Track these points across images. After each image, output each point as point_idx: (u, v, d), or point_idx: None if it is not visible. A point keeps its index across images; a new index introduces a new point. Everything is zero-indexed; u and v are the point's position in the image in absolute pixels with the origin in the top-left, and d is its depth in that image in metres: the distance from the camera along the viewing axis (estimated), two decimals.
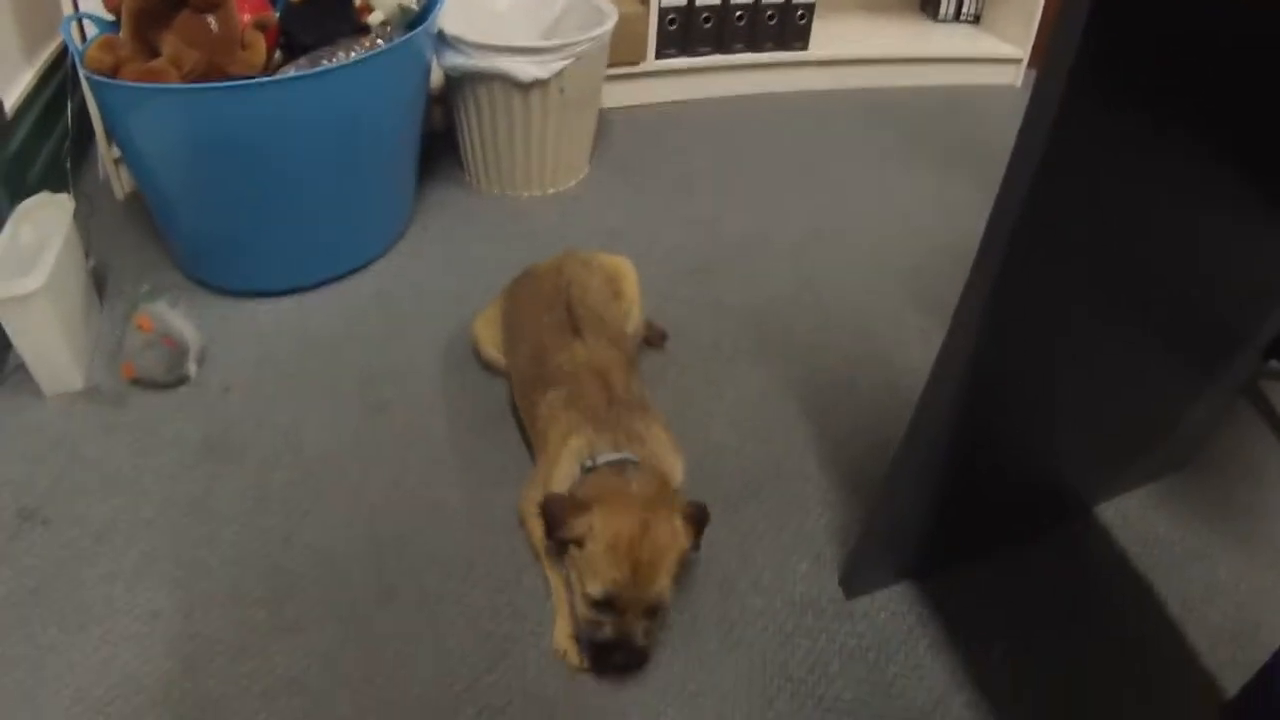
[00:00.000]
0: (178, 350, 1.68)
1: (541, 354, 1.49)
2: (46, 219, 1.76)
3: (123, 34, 1.73)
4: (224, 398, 1.70)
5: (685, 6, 2.53)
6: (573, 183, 2.36)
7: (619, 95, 2.62)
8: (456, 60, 2.08)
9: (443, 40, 2.07)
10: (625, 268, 1.73)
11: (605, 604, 1.20)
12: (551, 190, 2.32)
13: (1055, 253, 0.96)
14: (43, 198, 1.80)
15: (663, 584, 1.21)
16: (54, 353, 1.65)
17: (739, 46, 2.64)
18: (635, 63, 2.58)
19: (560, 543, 1.25)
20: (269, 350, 1.81)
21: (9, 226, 1.72)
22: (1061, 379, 1.19)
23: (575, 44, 2.08)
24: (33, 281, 1.55)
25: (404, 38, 1.86)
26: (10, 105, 1.98)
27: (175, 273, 1.99)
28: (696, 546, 1.27)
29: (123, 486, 1.52)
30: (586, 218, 2.24)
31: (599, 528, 1.20)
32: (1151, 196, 0.98)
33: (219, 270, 1.95)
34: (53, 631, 1.29)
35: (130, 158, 1.88)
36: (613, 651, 1.22)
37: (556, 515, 1.22)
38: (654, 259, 2.07)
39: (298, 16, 1.91)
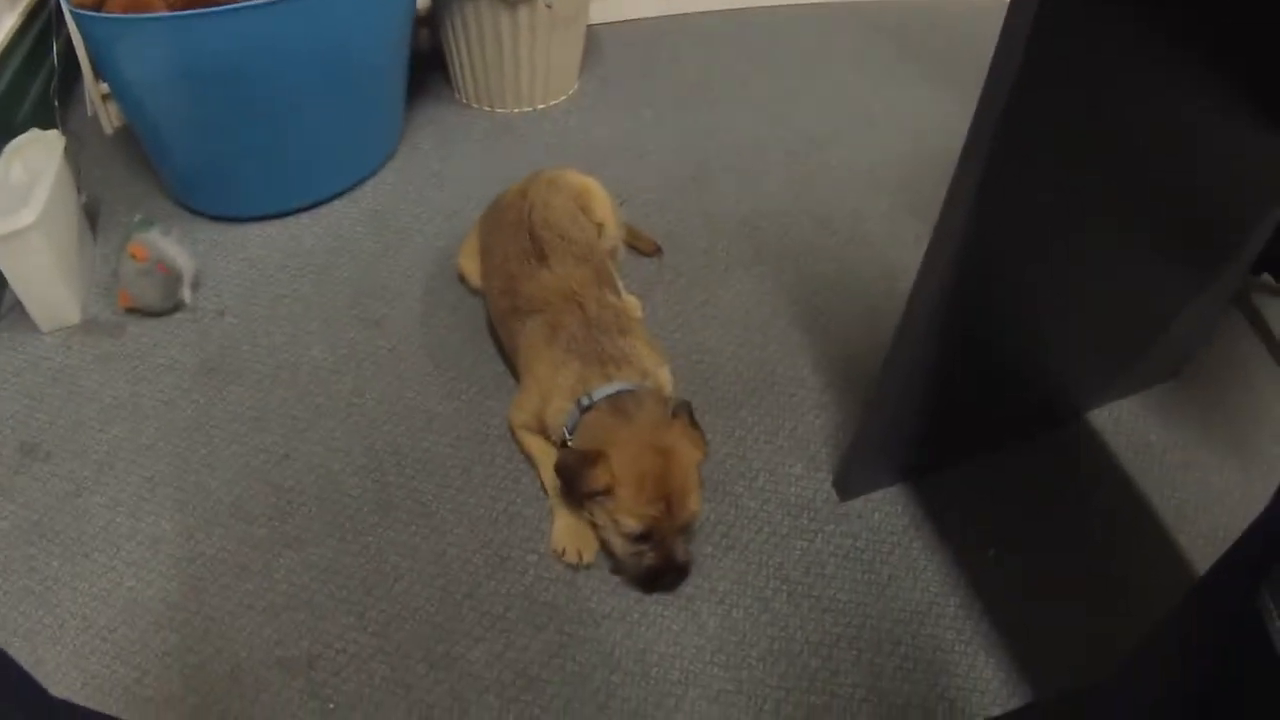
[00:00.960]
0: (172, 277, 1.68)
1: (512, 284, 1.49)
2: (36, 156, 1.75)
3: None
4: (219, 321, 1.71)
5: None
6: (562, 98, 2.34)
7: (608, 10, 2.58)
8: None
9: None
10: (592, 185, 1.71)
11: (644, 536, 1.23)
12: (541, 106, 2.30)
13: (1039, 154, 0.96)
14: (32, 135, 1.79)
15: (694, 502, 1.24)
16: (50, 288, 1.65)
17: None
18: None
19: (583, 498, 1.26)
20: (262, 273, 1.81)
21: (7, 160, 1.72)
22: (1048, 280, 1.19)
23: None
24: (26, 217, 1.55)
25: None
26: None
27: (167, 202, 1.98)
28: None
29: (122, 415, 1.53)
30: (575, 132, 2.22)
31: (621, 471, 1.21)
32: (1137, 96, 0.97)
33: (210, 197, 1.94)
34: (56, 563, 1.32)
35: (118, 90, 1.88)
36: (660, 575, 1.25)
37: (575, 472, 1.23)
38: (645, 171, 2.06)
39: None
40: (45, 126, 1.87)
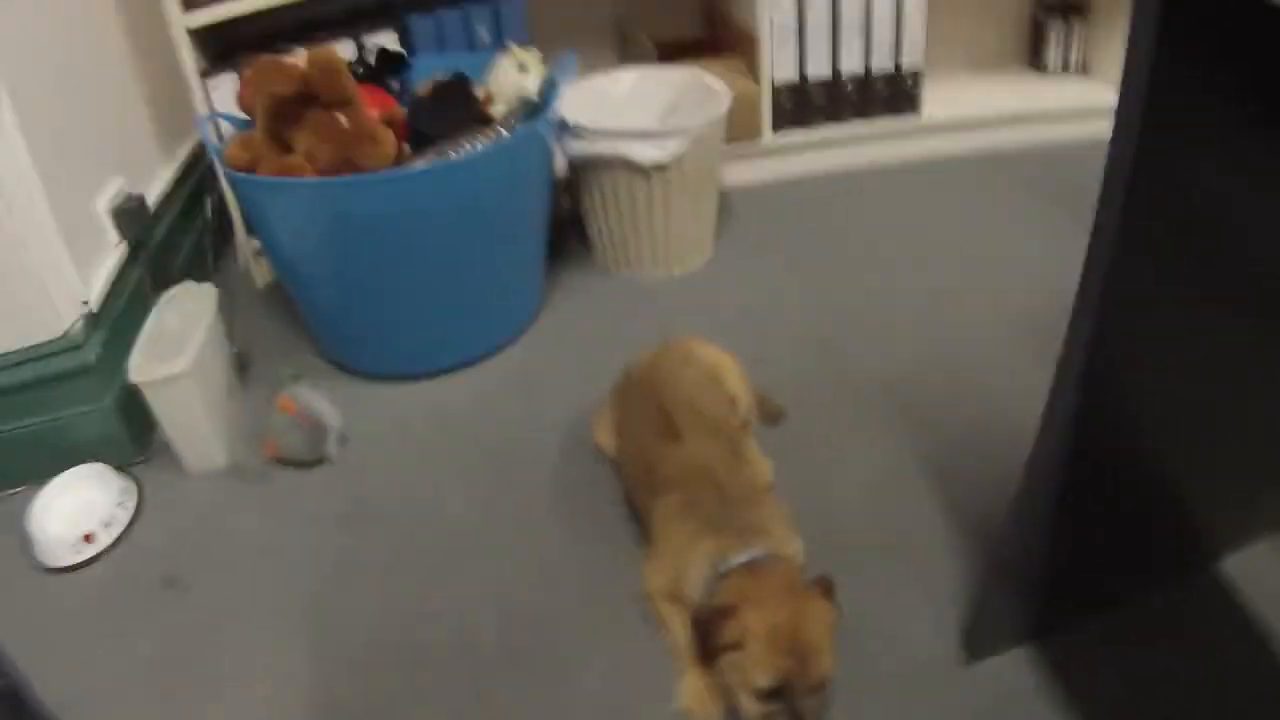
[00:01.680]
0: (319, 430, 1.77)
1: (646, 459, 1.51)
2: (190, 306, 1.89)
3: (258, 131, 1.84)
4: (362, 474, 1.77)
5: (797, 82, 2.56)
6: (699, 263, 2.39)
7: (740, 174, 2.65)
8: (578, 146, 2.15)
9: (564, 128, 2.14)
10: (724, 360, 1.73)
11: (775, 693, 1.19)
12: (678, 271, 2.35)
13: (1160, 274, 0.93)
14: (187, 286, 1.94)
15: (827, 660, 1.20)
16: (199, 432, 1.75)
17: (852, 117, 2.65)
18: (753, 139, 2.62)
19: (716, 652, 1.24)
20: (406, 430, 1.88)
21: (155, 313, 1.86)
22: (1177, 417, 1.13)
23: (691, 127, 2.13)
24: (179, 364, 1.67)
25: (524, 127, 1.93)
26: (152, 200, 2.14)
27: (317, 358, 2.09)
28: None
29: (263, 556, 1.59)
30: (711, 297, 2.26)
31: (754, 625, 1.20)
32: (1259, 194, 0.93)
33: (358, 355, 2.04)
34: (189, 694, 1.35)
35: (269, 248, 2.01)
36: None
37: (709, 625, 1.22)
38: (777, 332, 2.08)
39: (423, 109, 2.01)
40: (199, 279, 2.01)
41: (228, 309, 2.01)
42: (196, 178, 2.39)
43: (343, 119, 1.80)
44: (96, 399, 1.75)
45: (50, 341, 1.70)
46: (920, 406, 1.85)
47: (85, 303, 1.76)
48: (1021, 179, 2.63)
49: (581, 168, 2.23)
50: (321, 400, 1.80)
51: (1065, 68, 2.89)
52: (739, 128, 2.52)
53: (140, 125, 2.26)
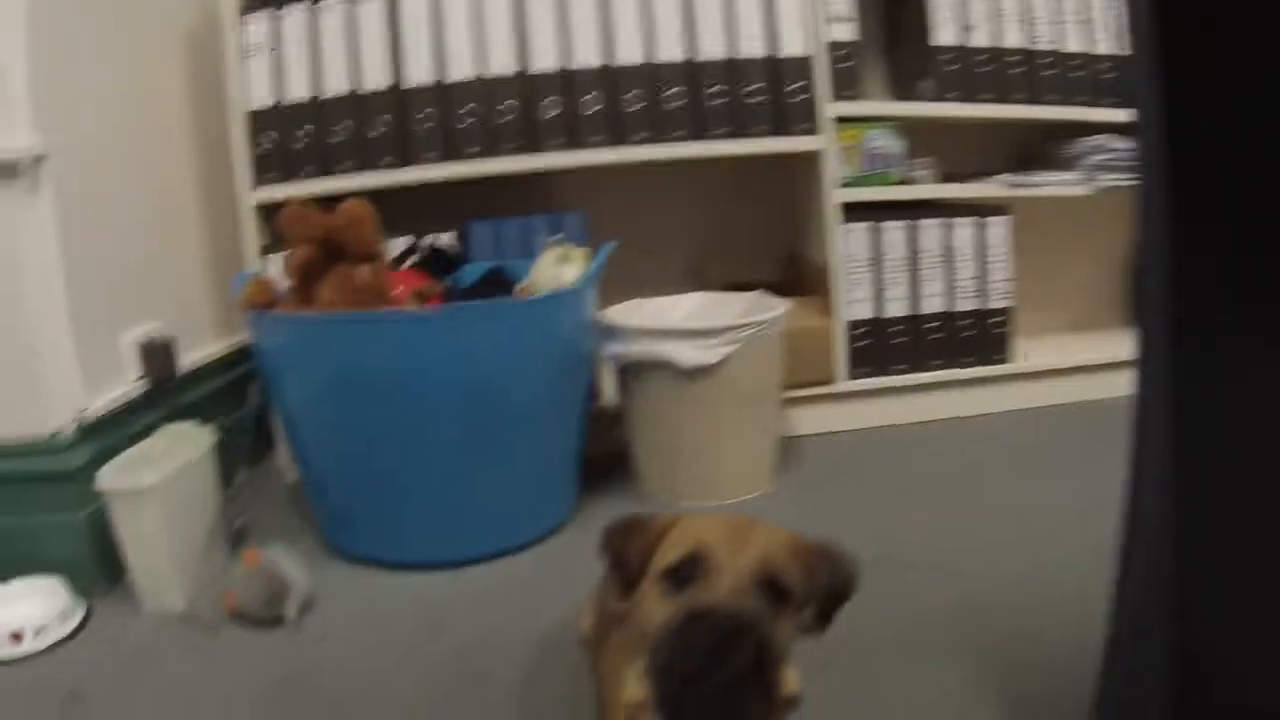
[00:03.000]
0: (279, 588, 1.61)
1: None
2: (185, 441, 1.82)
3: (288, 289, 1.81)
4: (318, 645, 1.58)
5: (873, 319, 2.44)
6: (752, 495, 2.17)
7: (810, 420, 2.49)
8: (616, 348, 2.05)
9: (607, 332, 2.06)
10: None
11: (687, 567, 0.92)
12: (729, 500, 2.12)
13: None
14: (188, 425, 1.88)
15: (776, 555, 0.94)
16: (159, 566, 1.66)
17: (934, 361, 2.50)
18: (825, 383, 2.47)
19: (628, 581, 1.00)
20: (380, 613, 1.70)
21: (150, 440, 1.80)
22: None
23: (741, 327, 2.01)
24: (146, 479, 1.59)
25: (548, 294, 1.87)
26: (192, 360, 2.15)
27: (315, 542, 1.95)
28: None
29: (181, 703, 1.43)
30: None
31: (680, 528, 0.98)
32: None
33: (352, 533, 1.90)
34: None
35: (275, 400, 1.95)
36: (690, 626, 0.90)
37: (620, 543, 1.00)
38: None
39: (458, 293, 1.98)
40: (231, 462, 2.02)
41: (241, 484, 2.02)
42: (250, 366, 2.38)
43: (364, 272, 1.76)
44: (69, 510, 1.69)
45: (35, 440, 1.69)
46: (986, 636, 1.56)
47: (81, 411, 1.73)
48: (1118, 431, 2.38)
49: (622, 376, 2.12)
50: (291, 561, 1.64)
51: None
52: (810, 369, 2.40)
53: (196, 287, 2.34)
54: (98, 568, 1.73)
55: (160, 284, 2.16)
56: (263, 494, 2.22)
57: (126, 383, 1.93)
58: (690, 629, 0.88)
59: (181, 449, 1.78)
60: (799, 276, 2.64)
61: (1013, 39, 2.46)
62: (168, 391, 2.03)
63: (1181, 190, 0.78)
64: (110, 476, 1.64)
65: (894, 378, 2.48)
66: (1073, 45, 2.50)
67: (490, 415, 1.79)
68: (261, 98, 2.22)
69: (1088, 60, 2.52)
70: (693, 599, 0.90)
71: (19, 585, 1.64)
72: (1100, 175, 2.47)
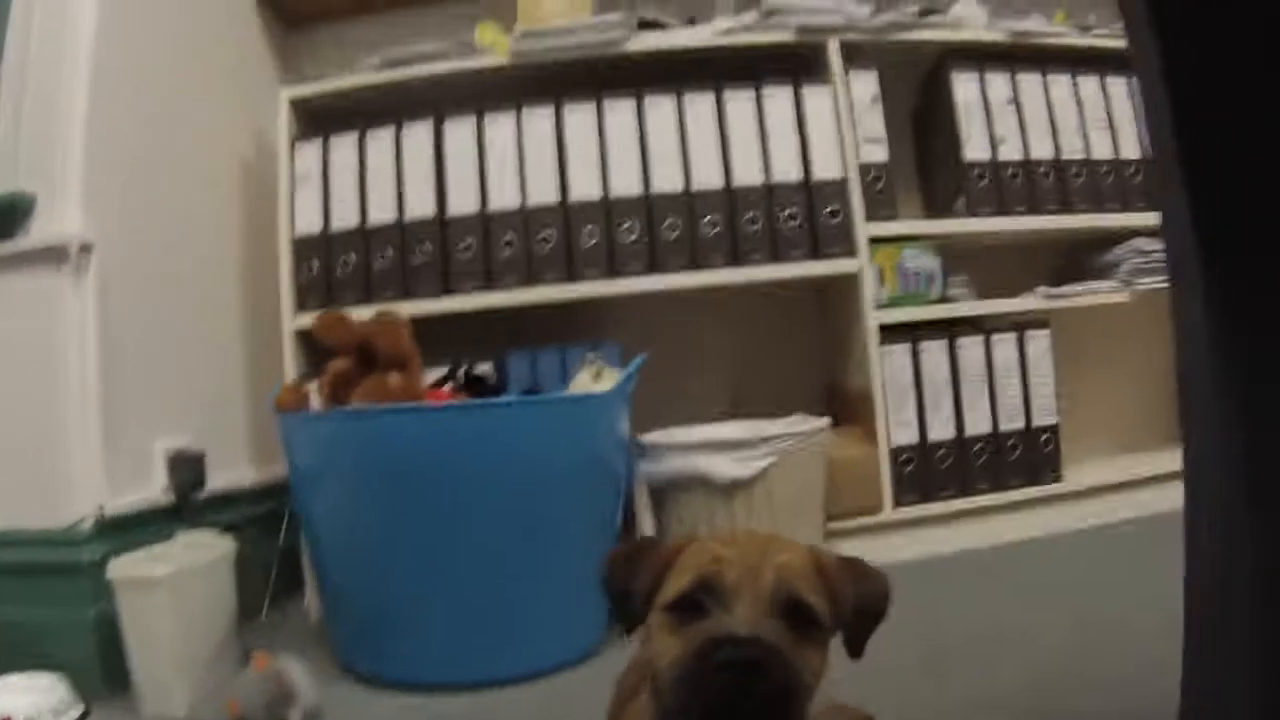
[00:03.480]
0: (285, 696, 1.55)
1: None
2: (204, 546, 1.81)
3: (319, 400, 1.82)
4: None
5: (917, 444, 2.39)
6: None
7: (857, 551, 2.40)
8: (651, 467, 2.02)
9: (640, 452, 2.03)
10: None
11: (699, 594, 0.84)
12: None
13: None
14: (208, 534, 1.86)
15: (797, 574, 0.85)
16: (164, 667, 1.61)
17: (983, 486, 2.42)
18: (872, 512, 2.39)
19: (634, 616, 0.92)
20: None
21: (168, 542, 1.78)
22: None
23: (780, 438, 1.97)
24: (157, 570, 1.57)
25: (575, 395, 1.86)
26: (224, 483, 2.15)
27: (331, 666, 1.87)
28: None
29: None
30: None
31: (691, 550, 0.90)
32: None
33: (366, 650, 1.82)
34: None
35: (302, 505, 1.91)
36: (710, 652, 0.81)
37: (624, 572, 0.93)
38: (879, 666, 1.73)
39: None
40: (255, 600, 2.02)
41: (271, 628, 1.98)
42: (283, 501, 2.35)
43: (396, 378, 1.77)
44: (78, 606, 1.66)
45: (51, 531, 1.67)
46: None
47: (101, 508, 1.71)
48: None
49: (657, 500, 2.08)
50: (299, 670, 1.58)
51: None
52: (856, 498, 2.34)
53: (233, 408, 2.36)
54: (101, 670, 1.68)
55: (196, 398, 2.18)
56: (283, 628, 2.16)
57: (152, 490, 1.93)
58: (706, 662, 0.81)
59: (198, 552, 1.76)
60: (840, 406, 2.60)
61: (1041, 151, 2.49)
62: (194, 506, 2.02)
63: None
64: (120, 566, 1.62)
65: (941, 504, 2.40)
66: (1099, 153, 2.53)
67: (519, 518, 1.74)
68: (309, 224, 2.30)
69: (1115, 166, 2.54)
70: (707, 630, 0.82)
71: (17, 679, 1.58)
72: (1138, 279, 2.44)
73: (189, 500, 2.00)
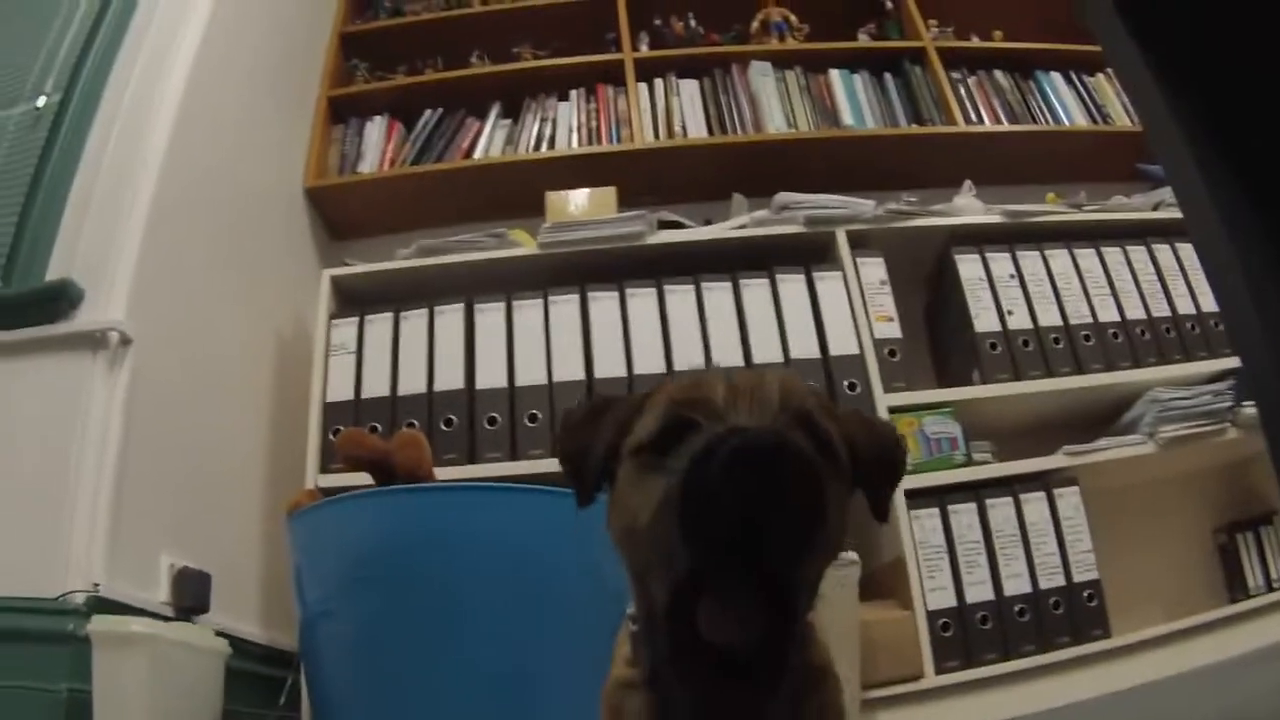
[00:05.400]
0: None
1: None
2: (193, 634, 1.75)
3: None
4: None
5: (955, 607, 2.30)
6: None
7: None
8: None
9: None
10: None
11: (683, 419, 0.74)
12: None
13: None
14: (204, 629, 1.80)
15: (804, 397, 0.76)
16: None
17: (1029, 648, 2.29)
18: (913, 679, 2.26)
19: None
20: None
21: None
22: None
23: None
24: (137, 625, 1.52)
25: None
26: (228, 624, 2.04)
27: None
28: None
29: None
30: None
31: (665, 390, 0.81)
32: None
33: None
34: None
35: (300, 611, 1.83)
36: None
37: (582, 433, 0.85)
38: None
39: None
40: None
41: None
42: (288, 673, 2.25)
43: None
44: (50, 677, 1.55)
45: (38, 598, 1.60)
46: None
47: (95, 585, 1.65)
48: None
49: None
50: None
51: (1269, 586, 2.48)
52: (895, 666, 2.23)
53: (246, 556, 2.31)
54: None
55: (211, 529, 2.15)
56: None
57: (152, 598, 1.85)
58: (709, 466, 0.67)
59: (189, 634, 1.72)
60: (872, 580, 2.53)
61: (1048, 319, 2.57)
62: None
63: None
64: (100, 621, 1.56)
65: (986, 668, 2.27)
66: (1105, 316, 2.60)
67: (525, 628, 1.64)
68: (341, 391, 2.38)
69: (1120, 327, 2.61)
70: (700, 442, 0.70)
71: None
72: (1161, 428, 2.43)
73: (189, 621, 1.93)
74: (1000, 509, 2.37)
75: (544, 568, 1.67)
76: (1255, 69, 0.78)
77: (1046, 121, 3.21)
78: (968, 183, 2.82)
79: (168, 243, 2.06)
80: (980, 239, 2.66)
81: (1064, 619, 2.31)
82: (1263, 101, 0.78)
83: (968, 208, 2.69)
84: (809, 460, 0.68)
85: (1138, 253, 2.71)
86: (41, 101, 2.08)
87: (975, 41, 3.38)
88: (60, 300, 1.83)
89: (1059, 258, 2.65)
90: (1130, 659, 2.30)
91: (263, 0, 2.87)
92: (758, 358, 2.44)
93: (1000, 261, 2.63)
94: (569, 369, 2.42)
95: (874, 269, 2.59)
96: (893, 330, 2.53)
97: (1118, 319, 2.61)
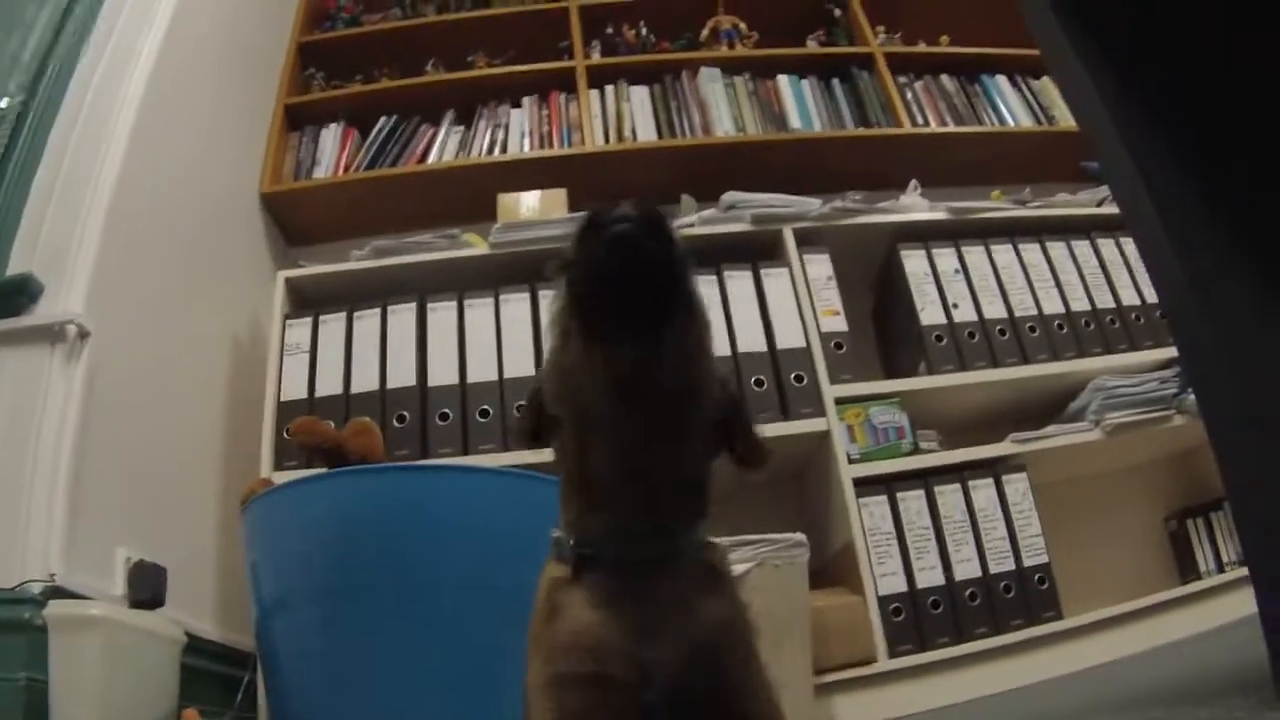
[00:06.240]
0: None
1: None
2: (152, 621, 1.75)
3: None
4: None
5: (906, 592, 2.32)
6: None
7: (854, 710, 2.28)
8: None
9: None
10: None
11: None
12: None
13: None
14: (165, 618, 1.78)
15: None
16: None
17: (982, 631, 2.32)
18: (866, 663, 2.29)
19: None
20: None
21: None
22: None
23: (755, 543, 1.95)
24: (95, 609, 1.50)
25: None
26: (192, 624, 2.02)
27: None
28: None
29: None
30: None
31: None
32: None
33: None
34: None
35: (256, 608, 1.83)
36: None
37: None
38: None
39: None
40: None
41: None
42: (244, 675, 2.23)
43: None
44: (8, 666, 1.52)
45: None
46: None
47: (52, 576, 1.63)
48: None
49: None
50: None
51: (1220, 569, 2.52)
52: (848, 649, 2.25)
53: (201, 551, 2.29)
54: None
55: (167, 524, 2.14)
56: None
57: (109, 593, 1.83)
58: (592, 238, 0.81)
59: (145, 620, 1.71)
60: (824, 566, 2.55)
61: (994, 311, 2.62)
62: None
63: None
64: (56, 605, 1.56)
65: (939, 651, 2.30)
66: (1050, 308, 2.66)
67: (488, 615, 1.53)
68: (295, 390, 2.40)
69: (1065, 318, 2.66)
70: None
71: None
72: (1106, 415, 2.48)
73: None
74: (949, 496, 2.41)
75: (508, 550, 1.61)
76: (1190, 60, 0.81)
77: (992, 123, 3.28)
78: (914, 182, 2.88)
79: (127, 241, 2.08)
80: (926, 235, 2.71)
81: (1016, 602, 2.34)
82: (1197, 92, 0.82)
83: (913, 206, 2.75)
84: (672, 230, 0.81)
85: (1081, 247, 2.77)
86: (4, 103, 2.09)
87: (923, 47, 3.46)
88: (20, 294, 1.84)
89: (1004, 252, 2.70)
90: (1083, 640, 2.34)
91: (222, 11, 2.90)
92: None
93: (945, 257, 2.68)
94: (520, 365, 2.44)
95: (821, 265, 2.64)
96: (839, 324, 2.57)
97: (1062, 310, 2.67)
